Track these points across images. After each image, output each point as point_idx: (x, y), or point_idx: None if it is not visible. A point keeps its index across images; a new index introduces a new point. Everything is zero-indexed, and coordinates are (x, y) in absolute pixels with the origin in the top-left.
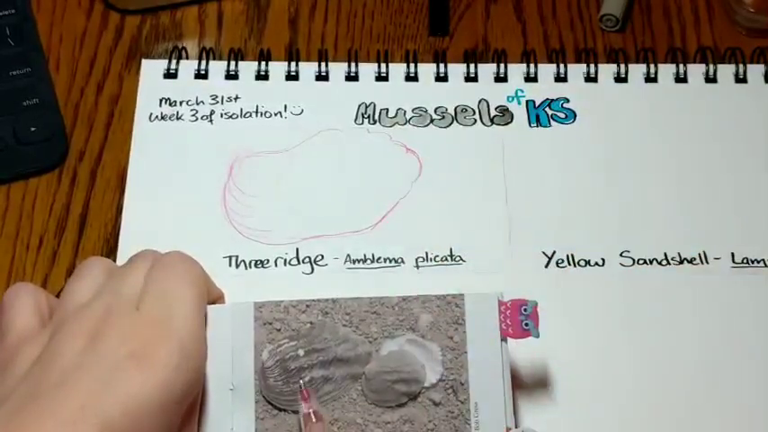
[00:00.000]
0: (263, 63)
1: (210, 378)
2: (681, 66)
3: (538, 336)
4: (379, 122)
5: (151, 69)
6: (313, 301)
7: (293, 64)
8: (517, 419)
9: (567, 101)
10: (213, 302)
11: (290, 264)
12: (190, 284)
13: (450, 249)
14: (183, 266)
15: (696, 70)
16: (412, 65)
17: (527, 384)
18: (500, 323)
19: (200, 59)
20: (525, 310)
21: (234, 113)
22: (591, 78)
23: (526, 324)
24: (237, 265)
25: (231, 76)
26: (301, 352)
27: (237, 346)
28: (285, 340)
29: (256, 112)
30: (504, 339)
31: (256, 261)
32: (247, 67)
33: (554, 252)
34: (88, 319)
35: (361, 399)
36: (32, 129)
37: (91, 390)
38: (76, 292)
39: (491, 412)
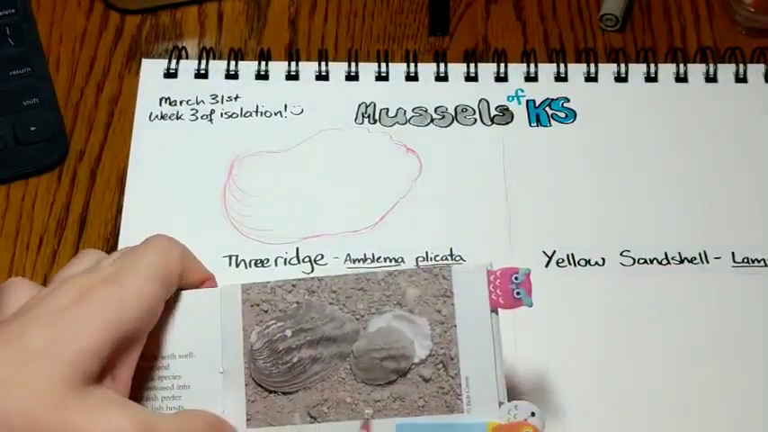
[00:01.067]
0: (264, 63)
1: (200, 361)
2: (681, 65)
3: (531, 305)
4: (380, 122)
5: (151, 69)
6: (299, 280)
7: (293, 64)
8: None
9: (568, 100)
10: (200, 284)
11: (290, 263)
12: (153, 252)
13: (451, 249)
14: (156, 240)
15: (696, 70)
16: (412, 64)
17: (526, 385)
18: (489, 294)
19: (200, 59)
20: (516, 278)
21: (234, 113)
22: (591, 78)
23: (518, 293)
24: (237, 265)
25: (231, 75)
26: (289, 332)
27: (226, 330)
28: (272, 321)
29: (256, 111)
30: (494, 311)
31: (256, 260)
32: (247, 67)
33: (554, 252)
34: (63, 288)
35: (350, 377)
36: (32, 128)
37: (30, 320)
38: (65, 273)
39: (482, 387)
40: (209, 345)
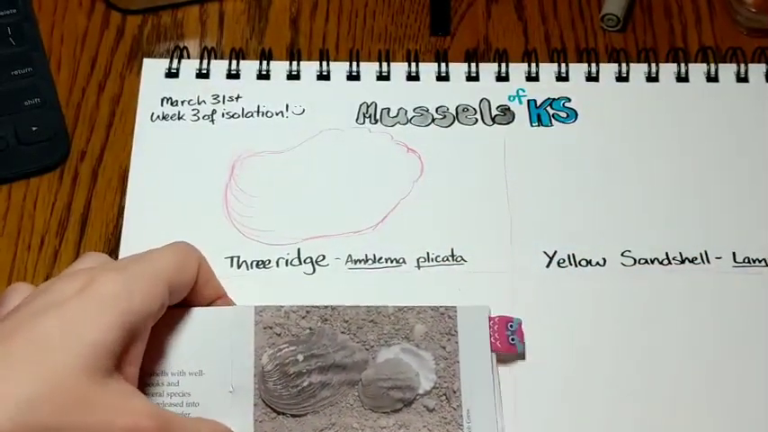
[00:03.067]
0: (265, 62)
1: (210, 379)
2: (682, 65)
3: (522, 351)
4: (381, 122)
5: (153, 69)
6: (313, 307)
7: (294, 63)
8: (517, 425)
9: (569, 100)
10: (212, 300)
11: (291, 264)
12: (166, 255)
13: (452, 249)
14: (175, 245)
15: (697, 70)
16: (413, 64)
17: (526, 385)
18: (489, 336)
19: (201, 59)
20: (511, 326)
21: (235, 113)
22: (592, 78)
23: (512, 339)
24: (239, 266)
25: (233, 75)
26: (301, 357)
27: (237, 350)
28: (285, 345)
29: (258, 111)
30: (492, 351)
31: (258, 261)
32: (249, 67)
33: (555, 252)
34: (67, 279)
35: (357, 404)
36: (34, 128)
37: (38, 310)
38: (70, 270)
39: (482, 419)
40: (220, 363)
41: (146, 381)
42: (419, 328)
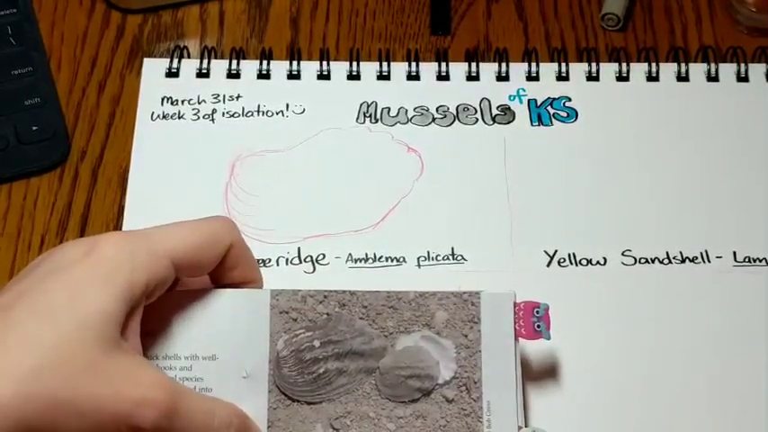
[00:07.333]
0: (265, 62)
1: (223, 364)
2: (682, 65)
3: (549, 338)
4: (381, 121)
5: (153, 68)
6: (331, 292)
7: (295, 63)
8: (526, 418)
9: (569, 100)
10: (242, 282)
11: (291, 263)
12: (194, 228)
13: (452, 248)
14: (211, 219)
15: (698, 69)
16: (414, 64)
17: (528, 385)
18: (513, 323)
19: (201, 58)
20: (537, 312)
21: (236, 112)
22: (593, 77)
23: (538, 326)
24: None
25: (233, 75)
26: (317, 343)
27: (252, 334)
28: (301, 330)
29: (258, 111)
30: (516, 339)
31: (258, 260)
32: (249, 66)
33: (556, 251)
34: (75, 242)
35: (374, 393)
36: (34, 128)
37: (40, 273)
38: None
39: (503, 411)
40: (234, 348)
41: (157, 364)
42: (440, 315)
